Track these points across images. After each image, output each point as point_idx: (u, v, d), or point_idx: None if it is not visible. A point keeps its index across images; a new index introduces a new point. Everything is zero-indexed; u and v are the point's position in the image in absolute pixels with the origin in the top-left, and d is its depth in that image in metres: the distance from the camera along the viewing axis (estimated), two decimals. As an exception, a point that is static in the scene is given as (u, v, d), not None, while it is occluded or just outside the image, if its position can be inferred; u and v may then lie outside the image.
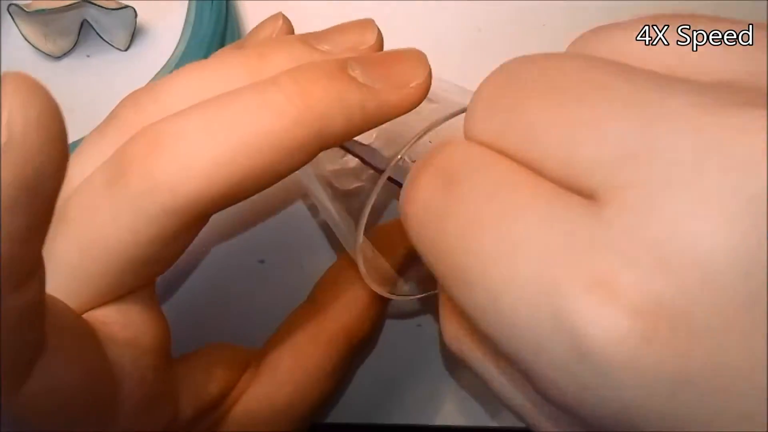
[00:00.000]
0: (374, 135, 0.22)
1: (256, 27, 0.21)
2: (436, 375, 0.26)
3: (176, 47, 0.28)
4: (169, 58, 0.27)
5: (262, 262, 0.27)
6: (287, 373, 0.21)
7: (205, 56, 0.27)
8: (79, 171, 0.16)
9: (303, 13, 0.29)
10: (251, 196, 0.15)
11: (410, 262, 0.24)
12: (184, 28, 0.28)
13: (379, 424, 0.25)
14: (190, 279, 0.26)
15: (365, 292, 0.22)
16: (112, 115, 0.17)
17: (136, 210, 0.14)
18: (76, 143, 0.20)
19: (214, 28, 0.27)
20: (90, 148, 0.16)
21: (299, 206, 0.28)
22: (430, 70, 0.16)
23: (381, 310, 0.24)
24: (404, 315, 0.27)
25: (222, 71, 0.16)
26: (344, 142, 0.16)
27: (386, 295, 0.21)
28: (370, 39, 0.18)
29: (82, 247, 0.15)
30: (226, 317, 0.26)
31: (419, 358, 0.26)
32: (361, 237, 0.19)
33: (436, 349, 0.26)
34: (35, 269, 0.11)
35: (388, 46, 0.18)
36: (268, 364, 0.21)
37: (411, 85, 0.16)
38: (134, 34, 0.29)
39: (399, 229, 0.24)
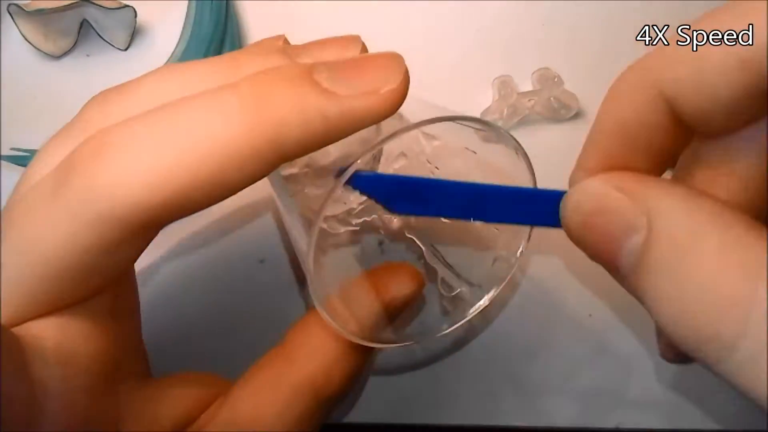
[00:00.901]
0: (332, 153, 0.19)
1: (254, 43, 0.20)
2: (442, 374, 0.26)
3: (176, 47, 0.28)
4: (169, 58, 0.27)
5: (262, 262, 0.27)
6: (245, 417, 0.19)
7: (205, 56, 0.27)
8: (39, 171, 0.15)
9: (302, 12, 0.29)
10: (206, 208, 0.14)
11: (403, 307, 0.22)
12: (183, 28, 0.28)
13: (384, 424, 0.25)
14: (189, 278, 0.26)
15: (336, 341, 0.20)
16: (79, 115, 0.16)
17: (74, 216, 0.13)
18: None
19: (214, 28, 0.27)
20: (54, 148, 0.16)
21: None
22: (407, 73, 0.15)
23: (356, 363, 0.21)
24: (391, 371, 0.25)
25: (192, 75, 0.16)
26: (306, 153, 0.14)
27: (352, 338, 0.19)
28: (353, 54, 0.16)
29: (20, 251, 0.14)
30: (225, 317, 0.26)
31: (424, 357, 0.26)
32: (311, 274, 0.17)
33: (442, 347, 0.26)
34: None
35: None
36: (228, 404, 0.20)
37: (382, 91, 0.14)
38: (134, 33, 0.29)
39: (393, 272, 0.22)
